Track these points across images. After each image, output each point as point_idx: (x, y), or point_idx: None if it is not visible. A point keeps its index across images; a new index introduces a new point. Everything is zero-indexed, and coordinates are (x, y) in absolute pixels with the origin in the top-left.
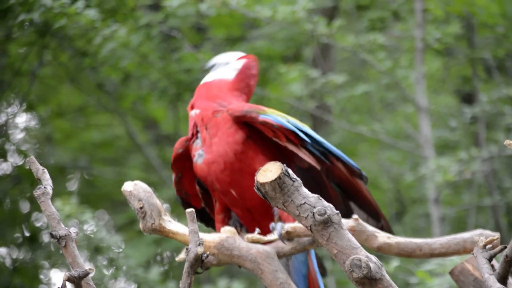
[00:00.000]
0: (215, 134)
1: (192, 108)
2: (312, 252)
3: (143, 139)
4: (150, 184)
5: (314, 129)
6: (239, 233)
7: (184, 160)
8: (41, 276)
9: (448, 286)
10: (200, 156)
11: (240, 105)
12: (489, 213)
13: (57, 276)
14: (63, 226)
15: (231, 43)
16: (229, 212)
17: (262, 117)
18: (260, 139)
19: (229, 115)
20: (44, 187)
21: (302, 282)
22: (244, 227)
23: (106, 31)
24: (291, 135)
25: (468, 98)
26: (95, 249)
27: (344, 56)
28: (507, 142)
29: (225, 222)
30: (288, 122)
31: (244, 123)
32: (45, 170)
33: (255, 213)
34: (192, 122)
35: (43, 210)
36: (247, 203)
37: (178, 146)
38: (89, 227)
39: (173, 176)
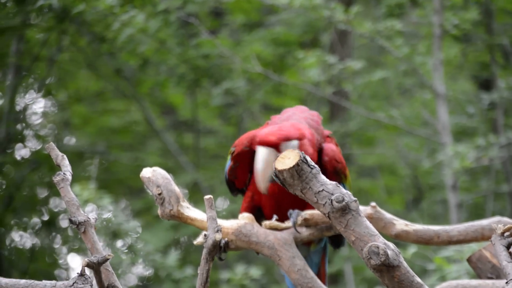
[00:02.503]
0: None
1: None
2: (327, 255)
3: (161, 125)
4: (167, 169)
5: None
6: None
7: (246, 154)
8: (59, 261)
9: (465, 273)
10: None
11: (339, 157)
12: (506, 199)
13: (74, 261)
14: (82, 212)
15: (248, 29)
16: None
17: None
18: None
19: (326, 166)
20: (64, 173)
21: None
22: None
23: (124, 17)
24: None
25: (486, 84)
26: (113, 234)
27: (362, 42)
28: None
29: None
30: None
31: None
32: (65, 156)
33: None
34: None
35: (62, 196)
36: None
37: (245, 143)
38: (108, 213)
39: (230, 163)
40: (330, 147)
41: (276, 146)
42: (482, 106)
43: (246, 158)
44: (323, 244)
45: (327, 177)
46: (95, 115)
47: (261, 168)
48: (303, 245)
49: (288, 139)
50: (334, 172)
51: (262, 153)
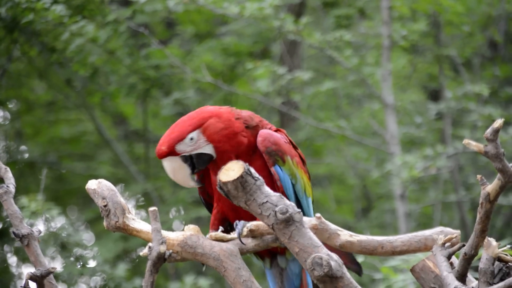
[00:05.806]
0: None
1: None
2: None
3: (112, 135)
4: (118, 179)
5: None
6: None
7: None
8: (12, 270)
9: (411, 282)
10: None
11: (275, 140)
12: (454, 209)
13: (27, 271)
14: (25, 225)
15: (199, 39)
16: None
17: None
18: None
19: (259, 146)
20: (7, 186)
21: None
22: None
23: (74, 27)
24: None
25: (435, 95)
26: (62, 246)
27: (311, 53)
28: (465, 141)
29: (220, 221)
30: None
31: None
32: (8, 168)
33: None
34: None
35: (5, 209)
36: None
37: None
38: (56, 224)
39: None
40: (268, 131)
41: (171, 154)
42: (429, 116)
43: (207, 168)
44: None
45: (263, 160)
46: (47, 125)
47: (174, 177)
48: (280, 255)
49: (179, 139)
50: (267, 153)
51: (166, 166)
